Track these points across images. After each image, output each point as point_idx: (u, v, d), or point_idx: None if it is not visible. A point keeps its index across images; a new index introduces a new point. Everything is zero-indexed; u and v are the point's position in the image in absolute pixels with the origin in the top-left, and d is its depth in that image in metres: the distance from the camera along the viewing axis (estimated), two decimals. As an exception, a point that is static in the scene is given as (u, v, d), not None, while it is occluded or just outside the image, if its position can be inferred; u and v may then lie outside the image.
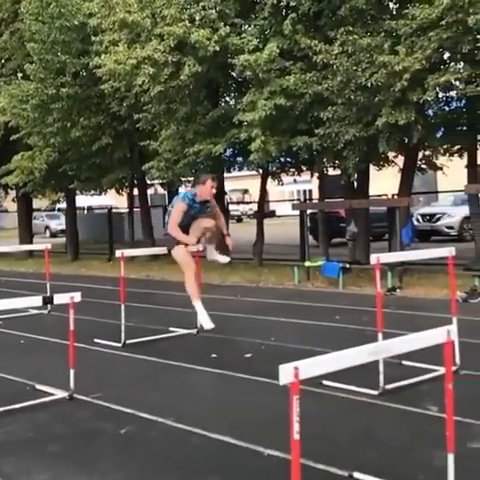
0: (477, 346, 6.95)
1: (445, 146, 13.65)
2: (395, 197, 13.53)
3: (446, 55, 11.54)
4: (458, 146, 13.62)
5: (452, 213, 21.09)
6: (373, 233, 16.47)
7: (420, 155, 14.51)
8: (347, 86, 11.45)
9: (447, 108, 13.11)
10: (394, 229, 12.38)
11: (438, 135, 13.13)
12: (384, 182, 16.12)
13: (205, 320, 7.40)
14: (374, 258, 5.62)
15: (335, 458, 4.05)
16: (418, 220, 21.51)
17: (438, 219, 21.51)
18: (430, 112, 12.99)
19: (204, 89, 14.27)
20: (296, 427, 2.63)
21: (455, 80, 11.19)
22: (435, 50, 10.71)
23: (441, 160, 15.13)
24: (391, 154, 14.51)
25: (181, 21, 12.74)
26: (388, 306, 9.24)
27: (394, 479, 3.70)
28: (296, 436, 2.64)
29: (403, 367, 5.95)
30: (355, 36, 11.23)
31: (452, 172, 14.84)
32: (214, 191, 7.50)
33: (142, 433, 4.70)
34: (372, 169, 14.85)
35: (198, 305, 7.46)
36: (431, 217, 21.71)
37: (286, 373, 2.60)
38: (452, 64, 11.39)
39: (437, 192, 25.52)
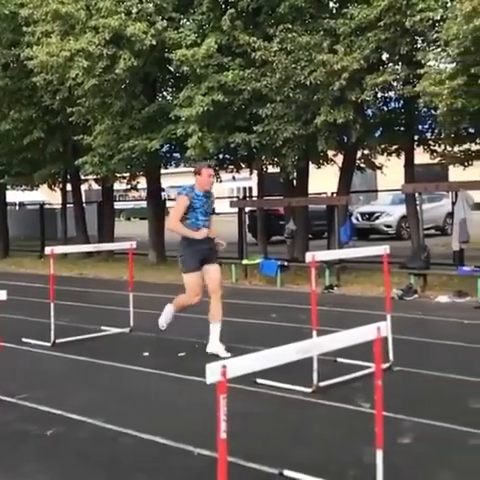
0: (411, 343, 7.12)
1: (383, 145, 13.91)
2: (334, 195, 13.74)
3: (384, 56, 11.78)
4: (396, 146, 13.90)
5: (390, 212, 21.60)
6: (312, 231, 16.68)
7: (359, 154, 14.76)
8: (286, 84, 11.55)
9: (386, 108, 13.36)
10: (333, 227, 12.57)
11: (377, 134, 13.38)
12: (324, 180, 16.35)
13: (163, 321, 7.08)
14: (309, 256, 5.67)
15: (267, 456, 4.09)
16: (357, 218, 21.91)
17: (377, 218, 22.01)
18: (369, 112, 13.20)
19: (140, 83, 14.17)
20: (223, 426, 2.62)
21: (393, 81, 11.41)
22: (373, 50, 10.94)
23: (380, 159, 15.43)
24: (330, 152, 14.72)
25: (117, 14, 12.62)
26: (325, 304, 9.41)
27: (324, 476, 3.74)
28: (223, 435, 2.64)
29: (338, 364, 6.06)
30: (294, 34, 11.36)
31: (392, 171, 15.14)
32: (212, 180, 6.79)
33: (70, 434, 4.63)
34: (312, 167, 15.02)
35: (171, 309, 7.06)
36: (370, 216, 22.20)
37: (213, 372, 2.59)
38: (390, 65, 11.62)
39: (376, 191, 26.05)
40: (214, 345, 6.71)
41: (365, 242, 16.85)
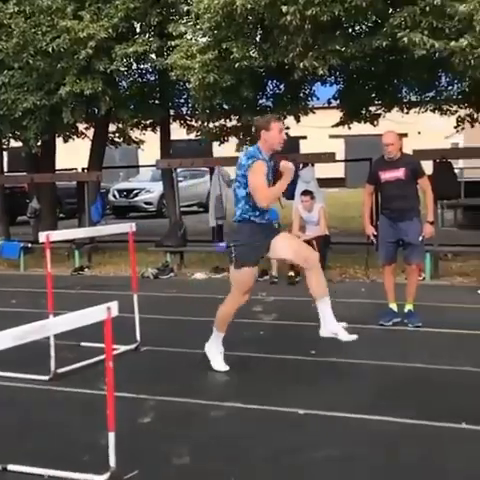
0: (162, 321, 7.31)
1: (136, 119, 13.90)
2: (85, 171, 13.51)
3: (137, 26, 11.78)
4: (151, 120, 14.00)
5: (151, 188, 21.65)
6: (65, 210, 16.31)
7: (114, 128, 14.63)
8: (25, 49, 11.17)
9: (141, 80, 13.34)
10: (83, 205, 12.32)
11: (130, 107, 13.32)
12: (84, 157, 15.90)
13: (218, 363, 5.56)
14: (43, 236, 5.54)
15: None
16: (115, 196, 21.79)
17: (136, 195, 21.98)
18: (124, 83, 13.12)
19: None
20: None
21: (145, 52, 11.46)
22: (122, 19, 10.91)
23: (138, 134, 15.42)
24: (82, 126, 14.43)
25: None
26: (74, 286, 9.35)
27: (56, 465, 3.68)
28: None
29: (81, 349, 6.02)
30: (33, -4, 10.99)
31: (154, 146, 14.98)
32: (284, 137, 5.46)
33: None
34: (65, 142, 14.59)
35: (219, 337, 5.65)
36: (129, 193, 22.10)
37: None
38: (142, 35, 11.65)
39: (137, 166, 26.06)
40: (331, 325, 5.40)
41: (123, 220, 16.83)
